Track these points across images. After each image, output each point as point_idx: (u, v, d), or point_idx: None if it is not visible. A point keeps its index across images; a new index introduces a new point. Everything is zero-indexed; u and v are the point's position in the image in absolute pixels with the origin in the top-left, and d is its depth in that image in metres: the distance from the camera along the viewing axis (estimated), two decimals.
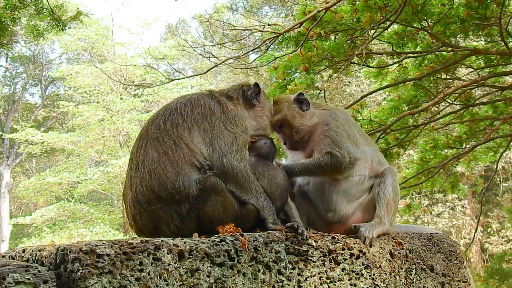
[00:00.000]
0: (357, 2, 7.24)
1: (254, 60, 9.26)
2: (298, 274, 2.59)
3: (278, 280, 2.50)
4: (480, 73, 9.23)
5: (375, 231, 3.05)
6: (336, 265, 2.75)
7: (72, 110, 25.72)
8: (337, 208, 3.29)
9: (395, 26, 7.94)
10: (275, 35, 8.07)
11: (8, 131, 27.54)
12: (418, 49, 8.32)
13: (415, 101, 8.65)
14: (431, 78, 8.78)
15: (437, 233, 3.55)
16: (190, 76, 23.34)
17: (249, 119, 3.20)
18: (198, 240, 2.39)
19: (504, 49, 7.83)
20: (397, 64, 8.81)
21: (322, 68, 8.11)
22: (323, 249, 2.74)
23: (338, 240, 2.86)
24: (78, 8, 9.29)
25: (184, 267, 2.24)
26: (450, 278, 3.30)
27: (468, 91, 8.93)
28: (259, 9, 31.10)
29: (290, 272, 2.56)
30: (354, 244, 2.91)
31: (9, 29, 8.58)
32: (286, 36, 7.96)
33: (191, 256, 2.28)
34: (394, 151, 8.90)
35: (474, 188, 19.44)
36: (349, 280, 2.77)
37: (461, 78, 9.41)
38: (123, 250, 2.10)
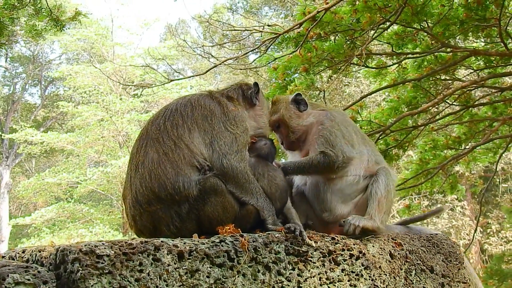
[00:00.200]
0: (357, 3, 7.24)
1: (254, 60, 9.26)
2: (298, 275, 2.59)
3: (278, 281, 2.50)
4: (479, 74, 9.24)
5: (362, 221, 3.04)
6: (336, 266, 2.76)
7: (71, 110, 25.72)
8: (332, 208, 3.29)
9: (395, 26, 7.94)
10: (275, 35, 8.07)
11: (7, 131, 27.54)
12: (417, 50, 8.32)
13: (414, 102, 8.66)
14: (431, 79, 8.78)
15: (436, 234, 3.55)
16: (190, 77, 23.37)
17: (249, 120, 3.20)
18: (198, 241, 2.39)
19: (504, 50, 7.84)
20: (396, 65, 8.81)
21: (322, 68, 8.11)
22: (323, 249, 2.74)
23: (338, 241, 2.86)
24: (76, 9, 9.27)
25: (184, 267, 2.24)
26: (450, 279, 3.30)
27: (467, 92, 8.93)
28: (259, 9, 31.11)
29: (290, 273, 2.56)
30: (354, 245, 2.91)
31: (8, 29, 8.57)
32: (285, 36, 7.96)
33: (191, 257, 2.28)
34: (394, 152, 8.90)
35: (473, 189, 19.45)
36: (348, 280, 2.77)
37: (461, 79, 9.42)
38: (123, 250, 2.10)
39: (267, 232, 2.67)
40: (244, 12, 29.68)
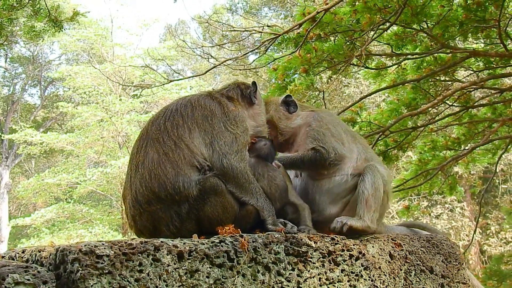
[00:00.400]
0: (357, 4, 7.24)
1: (253, 61, 9.26)
2: (298, 275, 2.59)
3: (278, 281, 2.50)
4: (479, 75, 9.25)
5: (350, 221, 3.04)
6: (336, 266, 2.76)
7: (71, 110, 25.71)
8: (321, 209, 3.28)
9: (395, 27, 7.94)
10: (274, 36, 8.07)
11: (7, 132, 27.53)
12: (417, 50, 8.33)
13: (414, 103, 8.66)
14: (430, 80, 8.79)
15: (436, 235, 3.56)
16: (189, 77, 23.39)
17: (249, 119, 3.20)
18: (198, 241, 2.39)
19: (503, 51, 7.84)
20: (396, 66, 8.82)
21: (322, 69, 8.12)
22: (323, 250, 2.74)
23: (338, 241, 2.86)
24: (74, 9, 9.27)
25: (183, 268, 2.24)
26: (449, 280, 3.30)
27: (467, 93, 8.93)
28: (259, 10, 31.12)
29: (290, 273, 2.56)
30: (353, 245, 2.91)
31: (6, 29, 8.57)
32: (285, 37, 7.96)
33: (190, 257, 2.28)
34: (393, 153, 8.90)
35: (473, 190, 19.46)
36: (348, 281, 2.77)
37: (461, 80, 9.42)
38: (122, 250, 2.10)
39: (266, 233, 2.67)
40: (243, 12, 29.70)
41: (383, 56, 8.92)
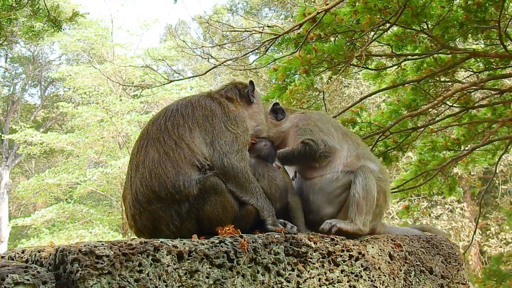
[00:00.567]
0: (357, 4, 7.25)
1: (254, 61, 9.27)
2: (297, 276, 2.59)
3: (277, 282, 2.50)
4: (479, 76, 9.25)
5: (340, 223, 3.02)
6: (335, 267, 2.76)
7: (71, 111, 25.71)
8: (316, 209, 3.26)
9: (395, 28, 7.95)
10: (275, 36, 8.07)
11: (7, 132, 27.53)
12: (417, 51, 8.33)
13: (414, 104, 8.66)
14: (430, 81, 8.79)
15: (436, 235, 3.56)
16: (190, 77, 23.39)
17: (248, 119, 3.21)
18: (197, 241, 2.39)
19: (503, 51, 7.84)
20: (396, 67, 8.82)
21: (322, 70, 8.12)
22: (322, 250, 2.74)
23: (337, 242, 2.86)
24: (74, 10, 9.28)
25: (183, 268, 2.24)
26: (449, 280, 3.30)
27: (467, 93, 8.94)
28: (259, 10, 31.12)
29: (289, 274, 2.56)
30: (353, 246, 2.91)
31: (5, 30, 8.57)
32: (285, 37, 7.96)
33: (190, 257, 2.28)
34: (393, 154, 8.90)
35: (472, 190, 19.46)
36: (348, 282, 2.77)
37: (461, 80, 9.42)
38: (122, 251, 2.10)
39: (266, 233, 2.67)
40: (244, 13, 29.70)
41: (383, 57, 8.93)
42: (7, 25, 8.39)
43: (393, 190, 9.15)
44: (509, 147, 9.36)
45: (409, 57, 8.41)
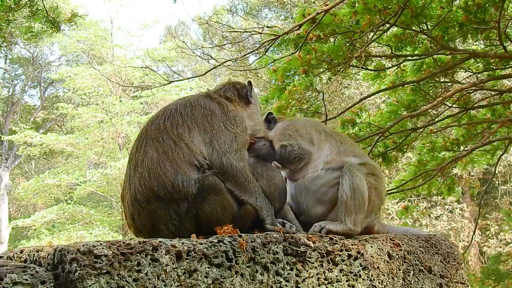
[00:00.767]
0: (357, 5, 7.25)
1: (253, 62, 9.27)
2: (296, 275, 2.59)
3: (276, 281, 2.50)
4: (479, 76, 9.26)
5: (329, 225, 3.02)
6: (334, 266, 2.76)
7: (71, 112, 25.74)
8: (306, 210, 3.27)
9: (394, 29, 7.96)
10: (274, 37, 8.08)
11: (7, 133, 27.55)
12: (417, 52, 8.34)
13: (413, 105, 8.67)
14: (430, 82, 8.80)
15: (435, 235, 3.56)
16: (189, 78, 23.39)
17: (247, 119, 3.21)
18: (196, 241, 2.39)
19: (503, 52, 7.85)
20: (395, 67, 8.82)
21: (321, 70, 8.12)
22: (321, 250, 2.74)
23: (336, 241, 2.86)
24: (72, 10, 9.29)
25: (182, 267, 2.24)
26: (448, 280, 3.30)
27: (467, 94, 8.95)
28: (259, 11, 31.15)
29: (288, 273, 2.56)
30: (352, 245, 2.91)
31: (4, 31, 8.58)
32: (285, 38, 7.97)
33: (189, 257, 2.28)
34: (393, 155, 8.91)
35: (472, 190, 19.46)
36: (347, 281, 2.77)
37: (460, 81, 9.44)
38: (121, 250, 2.10)
39: (265, 232, 2.67)
40: (243, 14, 29.72)
41: (383, 58, 8.93)
42: (6, 26, 8.40)
43: (393, 191, 9.17)
44: (509, 147, 9.37)
45: (409, 57, 8.42)
